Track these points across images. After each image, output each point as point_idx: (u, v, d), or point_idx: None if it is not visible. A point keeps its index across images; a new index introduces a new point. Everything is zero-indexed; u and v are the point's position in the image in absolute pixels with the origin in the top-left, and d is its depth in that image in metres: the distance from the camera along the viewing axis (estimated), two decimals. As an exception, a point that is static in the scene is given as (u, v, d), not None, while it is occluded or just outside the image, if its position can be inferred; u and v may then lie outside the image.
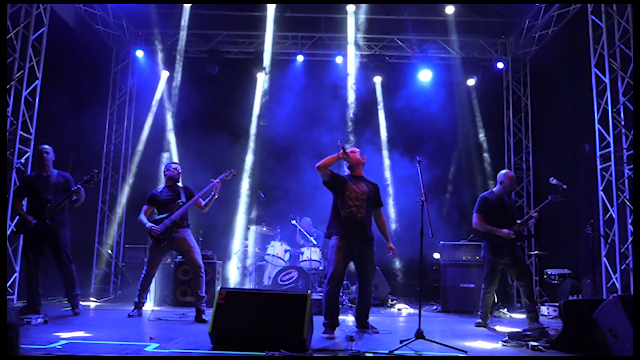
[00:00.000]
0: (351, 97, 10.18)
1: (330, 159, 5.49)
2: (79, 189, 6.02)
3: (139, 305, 6.36)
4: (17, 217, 6.22)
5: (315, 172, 5.46)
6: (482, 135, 10.39)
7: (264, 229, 8.96)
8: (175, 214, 6.27)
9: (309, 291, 4.43)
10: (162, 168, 7.10)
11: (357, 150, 5.84)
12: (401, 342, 4.39)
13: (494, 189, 6.48)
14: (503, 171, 6.55)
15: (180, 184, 6.61)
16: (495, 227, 6.16)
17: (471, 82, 10.50)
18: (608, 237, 7.27)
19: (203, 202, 6.42)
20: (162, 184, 6.98)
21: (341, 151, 5.44)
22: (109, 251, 10.15)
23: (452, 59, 10.51)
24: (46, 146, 6.26)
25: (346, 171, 5.81)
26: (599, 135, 7.53)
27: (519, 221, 6.26)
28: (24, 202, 6.33)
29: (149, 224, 6.27)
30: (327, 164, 5.46)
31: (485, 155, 10.33)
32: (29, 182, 6.22)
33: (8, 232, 7.07)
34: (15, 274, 7.53)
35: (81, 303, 6.61)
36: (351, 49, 10.22)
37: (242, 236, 9.40)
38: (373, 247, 5.56)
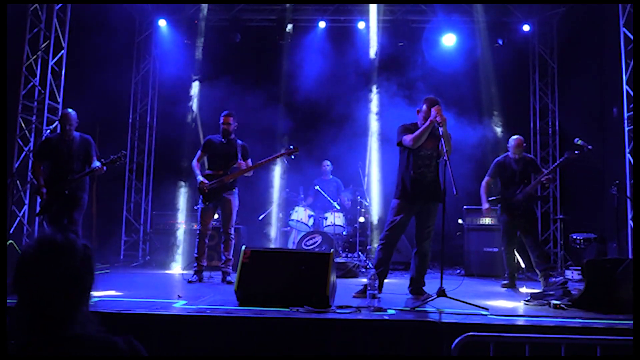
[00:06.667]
0: (374, 62, 10.08)
1: (424, 130, 4.88)
2: (102, 168, 5.66)
3: (200, 268, 6.26)
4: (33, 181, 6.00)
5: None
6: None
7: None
8: (226, 176, 6.13)
9: (331, 250, 4.49)
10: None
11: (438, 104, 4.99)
12: (423, 299, 4.45)
13: (509, 153, 6.60)
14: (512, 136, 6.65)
15: (239, 140, 6.36)
16: (485, 196, 6.58)
17: (496, 45, 10.28)
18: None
19: (252, 172, 6.28)
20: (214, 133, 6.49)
21: (437, 118, 4.74)
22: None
23: (476, 22, 10.24)
24: (70, 110, 5.85)
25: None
26: (627, 97, 7.38)
27: (533, 181, 6.40)
28: (44, 166, 5.86)
29: (200, 177, 6.09)
30: (422, 137, 4.92)
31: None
32: (50, 144, 5.78)
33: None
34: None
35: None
36: (373, 14, 10.08)
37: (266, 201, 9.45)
38: (437, 205, 5.03)
